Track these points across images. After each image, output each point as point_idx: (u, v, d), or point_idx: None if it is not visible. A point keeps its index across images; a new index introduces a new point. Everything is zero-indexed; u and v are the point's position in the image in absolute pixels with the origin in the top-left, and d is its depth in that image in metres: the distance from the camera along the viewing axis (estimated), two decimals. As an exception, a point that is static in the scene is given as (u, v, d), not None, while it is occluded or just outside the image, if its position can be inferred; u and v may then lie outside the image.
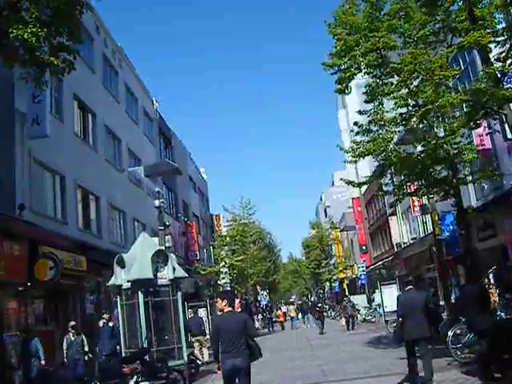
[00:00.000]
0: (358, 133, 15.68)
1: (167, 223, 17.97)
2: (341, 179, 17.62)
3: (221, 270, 32.99)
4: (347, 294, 67.01)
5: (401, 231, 39.56)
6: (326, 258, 56.00)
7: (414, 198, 32.60)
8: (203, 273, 33.15)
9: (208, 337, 26.69)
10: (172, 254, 14.48)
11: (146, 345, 12.38)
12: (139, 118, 33.85)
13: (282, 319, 40.88)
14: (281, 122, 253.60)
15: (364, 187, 55.16)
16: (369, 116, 15.31)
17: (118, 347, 14.59)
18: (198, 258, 41.87)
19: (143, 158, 33.17)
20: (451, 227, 20.70)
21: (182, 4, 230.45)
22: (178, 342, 13.11)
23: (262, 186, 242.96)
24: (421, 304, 10.28)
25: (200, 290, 40.65)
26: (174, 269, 13.42)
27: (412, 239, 35.42)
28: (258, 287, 56.05)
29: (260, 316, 46.99)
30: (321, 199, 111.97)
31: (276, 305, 61.66)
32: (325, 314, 34.49)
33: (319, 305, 35.45)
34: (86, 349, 15.69)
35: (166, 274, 13.26)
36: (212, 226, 54.66)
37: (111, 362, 14.74)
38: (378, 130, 14.59)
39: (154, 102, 38.39)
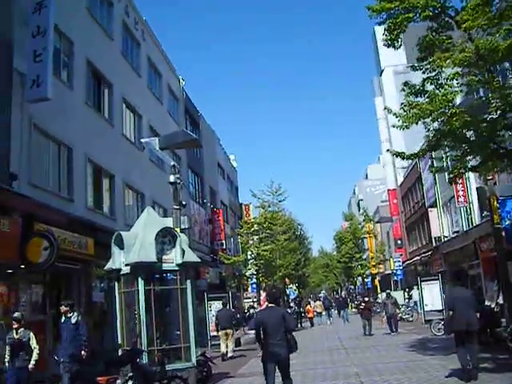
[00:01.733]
0: (409, 93, 13.07)
1: (184, 202, 15.60)
2: (387, 150, 15.03)
3: (247, 259, 30.62)
4: (379, 290, 64.39)
5: (441, 224, 36.66)
6: (360, 252, 53.20)
7: (459, 187, 30.33)
8: (227, 262, 30.82)
9: (238, 331, 25.31)
10: (183, 235, 12.11)
11: (145, 342, 10.12)
12: (163, 95, 31.72)
13: (311, 315, 38.34)
14: (315, 113, 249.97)
15: (400, 179, 52.42)
16: (424, 72, 12.70)
17: (83, 350, 11.29)
18: (225, 247, 39.71)
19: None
20: (514, 215, 18.05)
21: None
22: (185, 340, 10.78)
23: (294, 178, 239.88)
24: (470, 298, 10.72)
25: (225, 281, 38.47)
26: (183, 252, 11.14)
27: (454, 232, 32.55)
28: (287, 280, 53.61)
29: (288, 310, 44.60)
30: (354, 192, 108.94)
31: (306, 299, 59.09)
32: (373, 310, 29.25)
33: (365, 299, 28.96)
34: (35, 354, 10.80)
35: (173, 258, 10.95)
36: (241, 216, 52.41)
37: (74, 370, 10.83)
38: (435, 90, 11.95)
39: (181, 80, 36.21)
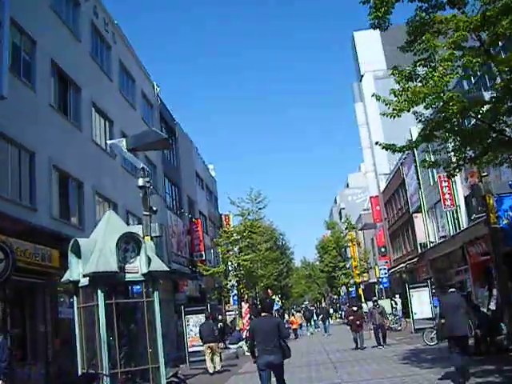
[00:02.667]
0: (400, 79, 11.91)
1: (155, 208, 14.28)
2: (377, 143, 13.83)
3: (228, 270, 29.23)
4: (363, 299, 63.27)
5: (426, 230, 35.75)
6: (344, 261, 52.11)
7: (445, 190, 29.40)
8: (206, 273, 29.44)
9: (222, 344, 24.15)
10: (149, 241, 10.85)
11: (106, 364, 8.79)
12: (136, 100, 30.46)
13: (295, 326, 37.07)
14: (291, 125, 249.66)
15: (383, 186, 51.57)
16: (415, 54, 11.56)
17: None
18: (204, 258, 38.31)
19: (141, 145, 29.77)
20: (511, 213, 17.01)
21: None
22: (154, 360, 9.46)
23: (274, 191, 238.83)
24: (458, 304, 10.67)
25: (206, 293, 37.09)
26: (149, 260, 9.84)
27: (441, 238, 31.60)
28: (270, 291, 52.35)
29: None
30: (335, 202, 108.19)
31: (289, 310, 57.76)
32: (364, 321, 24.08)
33: (354, 308, 23.98)
34: None
35: (137, 267, 9.66)
36: (221, 227, 51.07)
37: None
38: (429, 72, 10.78)
39: (155, 86, 34.95)
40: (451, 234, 30.30)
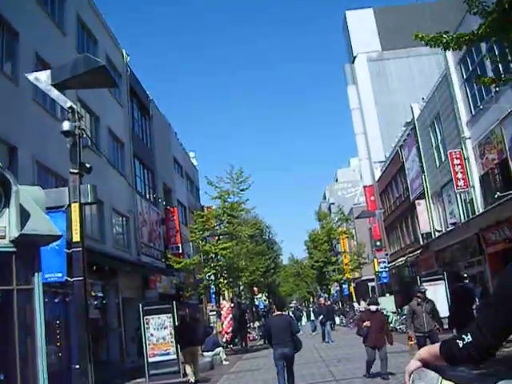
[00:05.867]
0: None
1: (88, 165, 10.10)
2: (416, 36, 9.72)
3: (206, 261, 24.75)
4: (354, 298, 59.23)
5: (431, 218, 31.71)
6: (336, 255, 47.95)
7: (457, 169, 25.39)
8: (177, 266, 25.14)
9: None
10: (26, 188, 6.66)
11: None
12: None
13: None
14: (288, 116, 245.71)
15: (378, 174, 47.52)
16: None
17: None
18: (181, 251, 34.00)
19: (105, 117, 25.54)
20: None
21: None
22: (32, 377, 5.26)
23: (262, 189, 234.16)
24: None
25: (183, 290, 32.78)
26: (24, 217, 5.61)
27: (451, 225, 27.55)
28: (256, 289, 48.08)
29: (257, 323, 39.06)
30: (324, 197, 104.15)
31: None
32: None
33: (372, 308, 13.47)
34: None
35: (3, 229, 5.46)
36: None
37: None
38: None
39: (125, 54, 30.60)
40: (462, 220, 26.27)
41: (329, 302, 29.14)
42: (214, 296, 27.10)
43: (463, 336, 2.20)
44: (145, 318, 15.85)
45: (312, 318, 36.12)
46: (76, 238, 10.16)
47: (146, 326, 15.74)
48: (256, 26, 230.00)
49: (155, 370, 15.32)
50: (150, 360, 15.43)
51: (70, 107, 10.77)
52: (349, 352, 18.96)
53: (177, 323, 15.53)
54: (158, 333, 15.62)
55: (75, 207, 10.22)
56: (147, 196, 32.54)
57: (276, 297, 30.40)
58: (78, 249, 10.12)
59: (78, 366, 9.71)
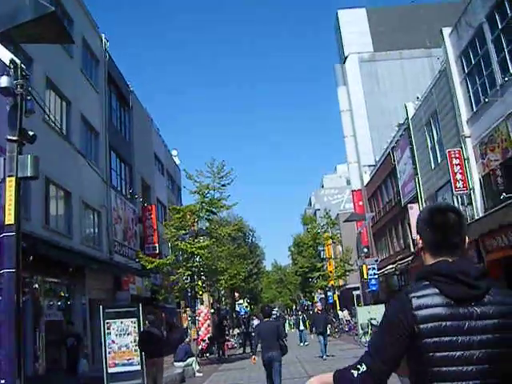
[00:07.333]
0: None
1: (31, 133, 8.10)
2: None
3: (176, 261, 22.66)
4: (338, 307, 57.29)
5: (423, 223, 29.92)
6: (322, 261, 46.04)
7: (456, 169, 23.71)
8: (149, 266, 23.01)
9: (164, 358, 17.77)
10: None
11: None
12: (75, 48, 24.15)
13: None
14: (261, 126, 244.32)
15: (367, 178, 45.81)
16: None
17: None
18: (158, 252, 31.96)
19: (78, 102, 23.54)
20: None
21: None
22: None
23: (245, 199, 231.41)
24: None
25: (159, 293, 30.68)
26: None
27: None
28: (237, 294, 46.03)
29: (237, 330, 36.99)
30: (310, 203, 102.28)
31: (258, 316, 51.50)
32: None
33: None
34: None
35: None
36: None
37: None
38: None
39: (104, 39, 28.60)
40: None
41: (317, 308, 25.78)
42: (189, 300, 25.05)
43: (358, 366, 2.26)
44: (106, 321, 13.78)
45: (301, 327, 32.56)
46: (9, 219, 8.22)
47: (106, 331, 13.67)
48: (253, 24, 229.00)
49: (115, 382, 13.24)
50: (110, 370, 13.35)
51: (12, 61, 8.87)
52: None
53: (142, 329, 13.50)
54: (121, 339, 13.58)
55: (11, 182, 8.30)
56: (123, 191, 30.49)
57: (263, 304, 28.82)
58: (10, 233, 8.18)
59: (3, 382, 7.76)
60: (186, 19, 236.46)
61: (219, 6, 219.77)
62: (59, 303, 20.45)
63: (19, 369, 7.81)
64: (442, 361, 2.17)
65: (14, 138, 8.37)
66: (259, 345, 11.52)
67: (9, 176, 8.25)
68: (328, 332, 24.22)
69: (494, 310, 2.20)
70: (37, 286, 17.98)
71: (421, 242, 2.45)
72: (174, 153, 49.40)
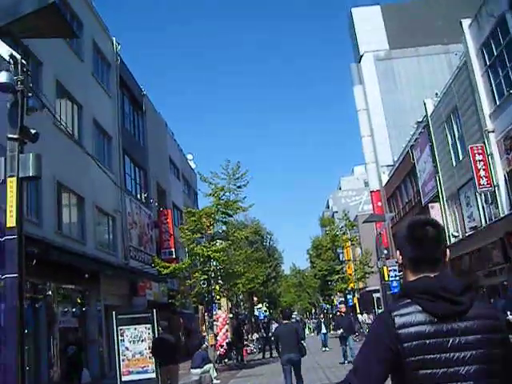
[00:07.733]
0: None
1: (34, 131, 7.60)
2: None
3: (193, 266, 22.14)
4: (358, 310, 56.39)
5: (446, 223, 29.15)
6: (341, 263, 45.31)
7: (480, 165, 22.96)
8: (164, 271, 22.52)
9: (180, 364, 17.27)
10: None
11: None
12: (85, 52, 23.86)
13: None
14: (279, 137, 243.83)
15: (385, 179, 45.06)
16: None
17: None
18: (175, 257, 31.50)
19: (90, 106, 23.20)
20: None
21: None
22: None
23: (262, 204, 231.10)
24: None
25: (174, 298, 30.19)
26: None
27: (471, 229, 25.05)
28: (255, 298, 45.42)
29: (256, 335, 36.40)
30: (327, 206, 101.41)
31: (277, 320, 50.86)
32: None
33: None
34: None
35: None
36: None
37: None
38: None
39: (115, 42, 28.28)
40: (483, 224, 23.78)
41: (341, 310, 24.58)
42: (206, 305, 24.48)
43: None
44: (119, 328, 13.31)
45: (323, 330, 31.43)
46: (11, 222, 7.76)
47: (120, 338, 13.20)
48: (255, 19, 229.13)
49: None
50: (124, 379, 12.88)
51: (12, 56, 8.44)
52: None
53: (158, 335, 13.01)
54: (135, 346, 13.10)
55: (11, 182, 7.84)
56: (138, 196, 30.11)
57: (282, 308, 29.05)
58: (11, 236, 7.72)
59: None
60: (203, 24, 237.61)
61: (233, 12, 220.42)
62: (74, 310, 20.06)
63: (22, 377, 7.36)
64: (426, 378, 2.14)
65: (15, 137, 7.95)
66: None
67: (10, 176, 7.82)
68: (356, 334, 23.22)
69: (479, 324, 2.18)
70: (50, 292, 17.61)
71: (401, 258, 2.42)
72: (189, 157, 48.98)
